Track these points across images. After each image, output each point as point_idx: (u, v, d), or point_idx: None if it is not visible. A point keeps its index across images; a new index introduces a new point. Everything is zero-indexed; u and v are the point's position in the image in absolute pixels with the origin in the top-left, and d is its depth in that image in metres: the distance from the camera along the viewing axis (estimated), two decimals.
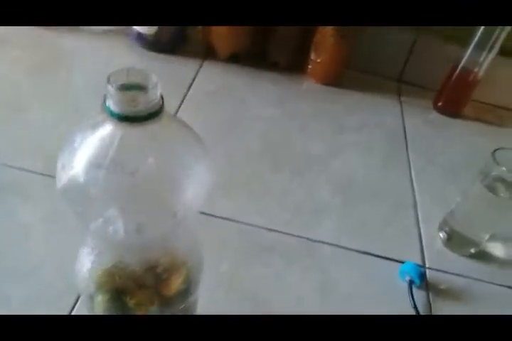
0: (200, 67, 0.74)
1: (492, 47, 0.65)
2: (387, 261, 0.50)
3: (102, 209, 0.25)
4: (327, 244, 0.51)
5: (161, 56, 0.75)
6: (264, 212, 0.53)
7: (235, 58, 0.75)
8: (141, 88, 0.24)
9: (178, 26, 0.75)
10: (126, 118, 0.23)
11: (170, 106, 0.64)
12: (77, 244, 0.45)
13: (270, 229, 0.51)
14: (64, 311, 0.40)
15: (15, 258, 0.44)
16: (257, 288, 0.45)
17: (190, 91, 0.69)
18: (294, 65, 0.76)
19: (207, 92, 0.70)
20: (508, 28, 0.63)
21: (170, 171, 0.25)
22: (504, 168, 0.45)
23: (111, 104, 0.23)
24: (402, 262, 0.50)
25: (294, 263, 0.48)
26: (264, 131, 0.65)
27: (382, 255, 0.51)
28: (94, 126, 0.24)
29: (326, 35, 0.69)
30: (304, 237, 0.51)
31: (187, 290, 0.33)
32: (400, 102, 0.75)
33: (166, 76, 0.72)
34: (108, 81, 0.23)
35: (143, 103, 0.23)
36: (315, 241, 0.51)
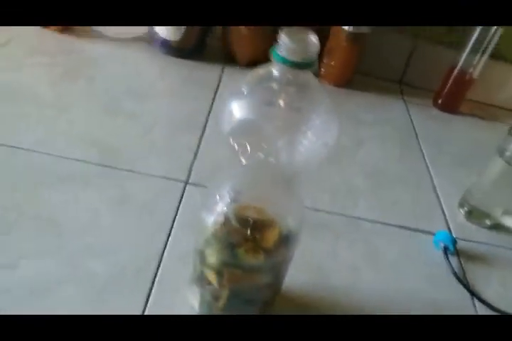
0: (222, 72, 0.80)
1: (485, 51, 0.75)
2: (421, 233, 0.57)
3: (265, 143, 0.31)
4: (367, 220, 0.57)
5: (185, 62, 0.80)
6: (307, 195, 0.58)
7: (254, 65, 0.81)
8: (303, 43, 0.30)
9: (201, 33, 0.80)
10: (297, 64, 0.29)
11: (201, 108, 0.70)
12: (144, 224, 0.49)
13: (317, 209, 0.57)
14: (146, 283, 0.44)
15: (91, 236, 0.47)
16: (316, 260, 0.50)
17: (218, 93, 0.75)
18: None
19: None
20: (499, 34, 0.73)
21: (323, 108, 0.32)
22: None
23: (284, 53, 0.29)
24: (433, 234, 0.57)
25: (343, 237, 0.54)
26: None
27: (416, 228, 0.57)
28: (262, 76, 0.31)
29: (340, 40, 0.77)
30: (346, 215, 0.57)
31: (287, 243, 0.38)
32: (404, 101, 0.84)
33: (192, 80, 0.77)
34: (283, 34, 0.29)
35: (311, 53, 0.29)
36: (357, 218, 0.57)
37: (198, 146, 0.62)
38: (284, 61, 0.29)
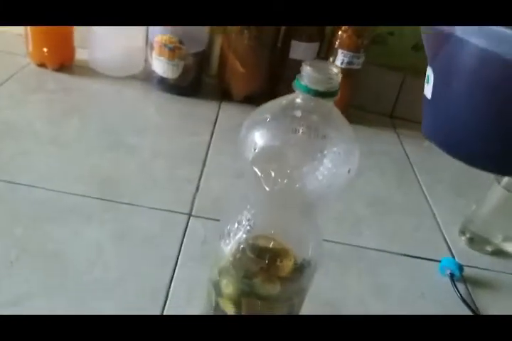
0: (219, 108, 0.82)
1: None
2: (426, 261, 0.57)
3: (289, 169, 0.31)
4: (372, 249, 0.57)
5: (183, 99, 0.82)
6: None
7: (249, 99, 0.84)
8: (326, 73, 0.31)
9: (197, 70, 0.82)
10: (321, 94, 0.30)
11: (200, 142, 0.71)
12: (149, 257, 0.49)
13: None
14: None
15: (96, 271, 0.46)
16: (324, 292, 0.50)
17: (216, 127, 0.76)
18: None
19: (231, 127, 0.77)
20: None
21: (345, 136, 0.32)
22: None
23: (308, 83, 0.30)
24: (437, 261, 0.57)
25: (349, 267, 0.54)
26: None
27: (420, 256, 0.58)
28: (285, 104, 0.31)
29: None
30: (351, 244, 0.57)
31: (302, 272, 0.37)
32: (397, 134, 0.86)
33: (190, 115, 0.79)
34: (306, 65, 0.30)
35: (334, 82, 0.30)
36: (362, 247, 0.57)
37: (199, 179, 0.62)
38: (308, 90, 0.30)
